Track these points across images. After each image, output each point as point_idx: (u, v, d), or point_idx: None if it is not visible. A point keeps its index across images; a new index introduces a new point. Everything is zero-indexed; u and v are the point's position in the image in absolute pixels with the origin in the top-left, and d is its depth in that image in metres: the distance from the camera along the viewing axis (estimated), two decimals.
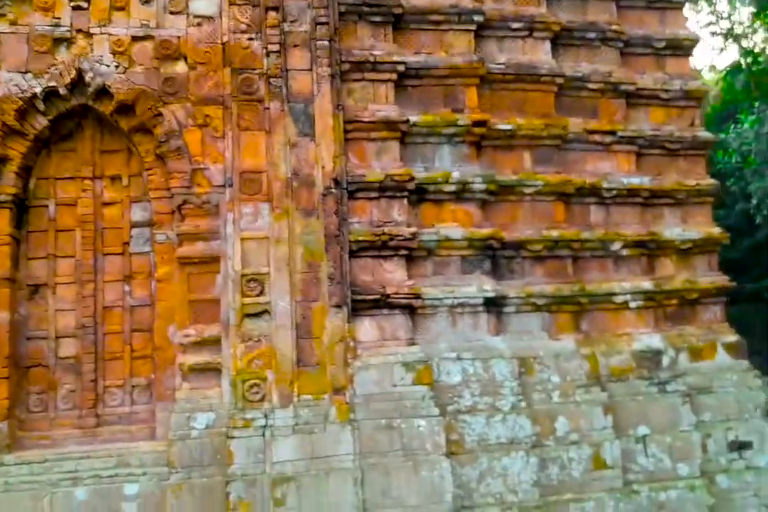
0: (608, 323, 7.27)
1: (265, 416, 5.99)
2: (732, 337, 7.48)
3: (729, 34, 30.30)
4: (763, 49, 27.93)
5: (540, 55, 7.41)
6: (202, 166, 6.31)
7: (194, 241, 6.26)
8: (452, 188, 6.88)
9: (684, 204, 7.72)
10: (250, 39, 6.44)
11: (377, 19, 6.95)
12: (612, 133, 7.49)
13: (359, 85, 6.83)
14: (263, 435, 5.92)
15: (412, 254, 6.76)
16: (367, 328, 6.52)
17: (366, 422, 6.16)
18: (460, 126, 6.95)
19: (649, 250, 7.44)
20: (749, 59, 28.46)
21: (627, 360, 7.09)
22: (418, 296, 6.58)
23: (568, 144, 7.45)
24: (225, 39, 6.44)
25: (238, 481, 5.81)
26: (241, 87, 6.37)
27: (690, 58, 8.01)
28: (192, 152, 6.31)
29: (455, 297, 6.71)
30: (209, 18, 6.50)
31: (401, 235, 6.58)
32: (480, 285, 6.78)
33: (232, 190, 6.29)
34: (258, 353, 6.09)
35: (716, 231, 7.66)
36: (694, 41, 7.95)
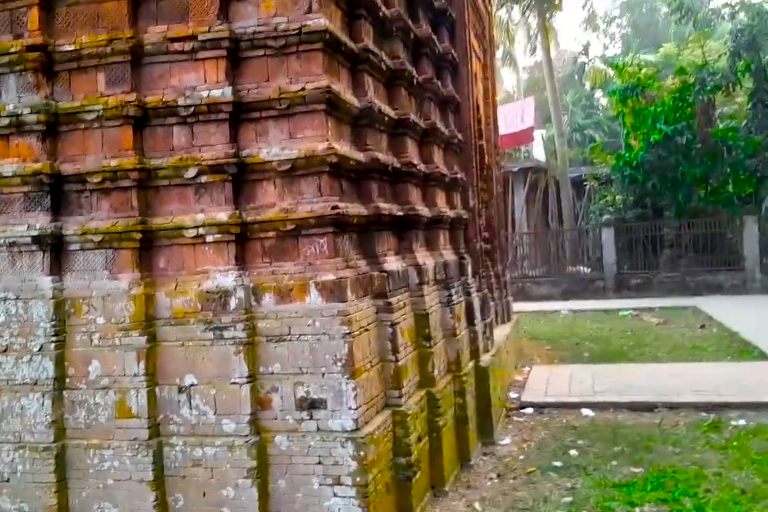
0: (187, 261, 6.47)
1: None
2: (329, 275, 6.13)
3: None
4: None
5: None
6: None
7: None
8: (6, 122, 6.61)
9: (291, 115, 6.31)
10: None
11: None
12: (193, 37, 6.36)
13: None
14: None
15: None
16: None
17: None
18: (14, 53, 6.56)
19: (234, 175, 6.33)
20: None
21: (191, 302, 6.32)
22: None
23: (151, 57, 6.52)
24: None
25: None
26: None
27: None
28: None
29: (6, 237, 6.60)
30: None
31: None
32: (33, 224, 6.55)
33: None
34: None
35: (321, 147, 6.16)
36: None
